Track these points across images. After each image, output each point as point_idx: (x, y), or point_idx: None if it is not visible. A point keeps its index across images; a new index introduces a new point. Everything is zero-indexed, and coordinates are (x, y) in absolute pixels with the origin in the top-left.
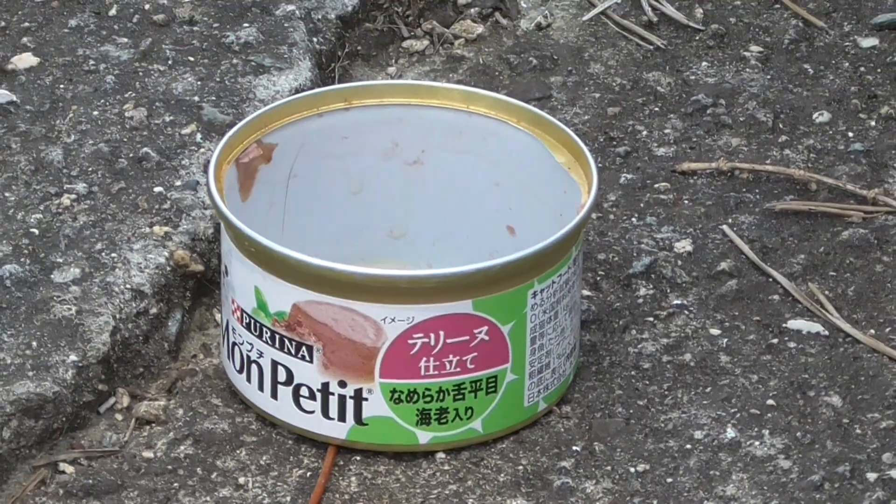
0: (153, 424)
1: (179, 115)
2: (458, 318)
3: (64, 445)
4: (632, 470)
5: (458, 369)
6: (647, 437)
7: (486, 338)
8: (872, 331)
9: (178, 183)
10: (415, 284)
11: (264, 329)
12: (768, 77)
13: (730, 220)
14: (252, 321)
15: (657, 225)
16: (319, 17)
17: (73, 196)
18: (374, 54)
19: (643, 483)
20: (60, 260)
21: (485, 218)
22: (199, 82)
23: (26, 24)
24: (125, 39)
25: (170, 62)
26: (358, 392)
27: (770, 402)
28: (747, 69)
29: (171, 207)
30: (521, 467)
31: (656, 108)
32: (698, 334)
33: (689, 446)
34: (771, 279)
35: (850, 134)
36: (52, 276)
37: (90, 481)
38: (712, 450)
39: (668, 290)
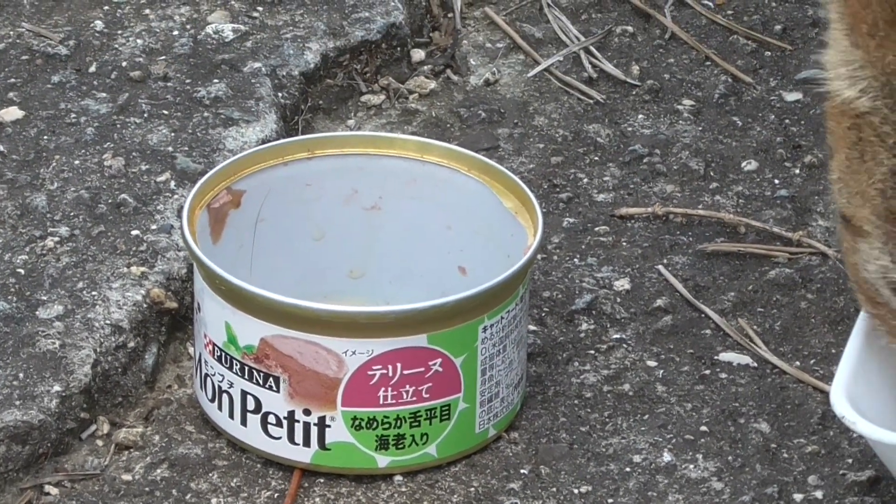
0: (131, 450)
1: (155, 164)
2: (414, 351)
3: (49, 469)
4: (575, 491)
5: (415, 398)
6: (590, 461)
7: (440, 369)
8: (798, 362)
9: (154, 227)
10: (374, 320)
11: (234, 361)
12: (700, 129)
13: (665, 261)
14: (223, 354)
15: (597, 265)
16: (284, 73)
17: (57, 239)
18: (335, 108)
19: (586, 503)
20: (45, 298)
21: (438, 259)
22: (172, 134)
23: (12, 80)
24: (104, 94)
25: (145, 115)
26: (321, 419)
27: (703, 428)
28: (680, 121)
29: (147, 249)
30: (472, 489)
31: (596, 158)
32: (636, 366)
33: (628, 469)
34: (703, 315)
35: (777, 181)
36: (38, 312)
37: (74, 502)
38: (650, 472)
39: (608, 326)
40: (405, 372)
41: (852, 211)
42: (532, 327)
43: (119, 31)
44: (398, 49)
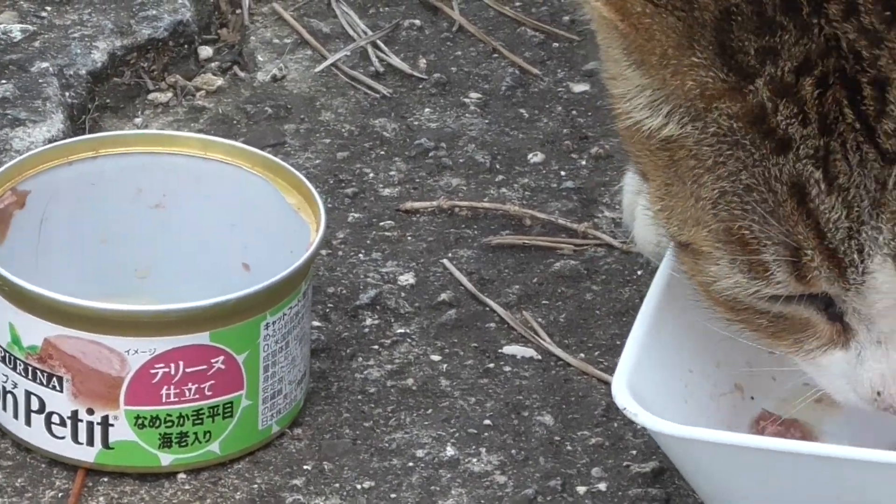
0: None
1: None
2: (197, 348)
3: None
4: (358, 487)
5: (197, 396)
6: (373, 457)
7: (223, 367)
8: (582, 355)
9: None
10: (156, 318)
11: (18, 362)
12: (486, 121)
13: (450, 255)
14: (7, 355)
15: (382, 260)
16: (71, 73)
17: None
18: (122, 106)
19: (369, 499)
20: None
21: (222, 256)
22: None
23: None
24: None
25: None
26: (105, 418)
27: (487, 422)
28: (467, 114)
29: None
30: (255, 486)
31: (382, 152)
32: (420, 360)
33: (411, 464)
34: (488, 308)
35: (563, 173)
36: None
37: None
38: (433, 467)
39: (393, 320)
40: (187, 370)
41: (688, 237)
42: (316, 323)
43: None
44: (185, 46)
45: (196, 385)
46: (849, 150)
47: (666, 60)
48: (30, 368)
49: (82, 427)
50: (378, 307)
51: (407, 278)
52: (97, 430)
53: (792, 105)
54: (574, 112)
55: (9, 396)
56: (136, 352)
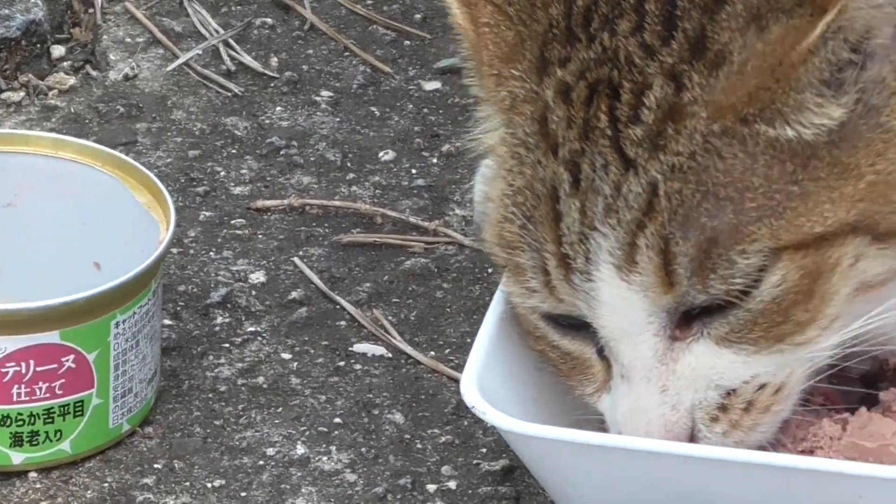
0: None
1: None
2: (47, 347)
3: None
4: (209, 485)
5: (48, 395)
6: (224, 455)
7: (73, 365)
8: (433, 352)
9: None
10: (5, 317)
11: None
12: (338, 120)
13: (301, 253)
14: None
15: (233, 258)
16: None
17: None
18: None
19: (220, 497)
20: None
21: (73, 255)
22: None
23: None
24: None
25: None
26: None
27: (337, 420)
28: (318, 113)
29: None
30: (106, 485)
31: (234, 151)
32: (271, 359)
33: (262, 462)
34: (339, 306)
35: (414, 171)
36: None
37: None
38: (284, 465)
39: (244, 319)
40: (38, 369)
41: (489, 248)
42: (167, 321)
43: None
44: (38, 45)
45: (47, 384)
46: (596, 154)
47: (491, 70)
48: None
49: None
50: (229, 305)
51: (258, 276)
52: None
53: (564, 107)
54: (425, 110)
55: None
56: None
